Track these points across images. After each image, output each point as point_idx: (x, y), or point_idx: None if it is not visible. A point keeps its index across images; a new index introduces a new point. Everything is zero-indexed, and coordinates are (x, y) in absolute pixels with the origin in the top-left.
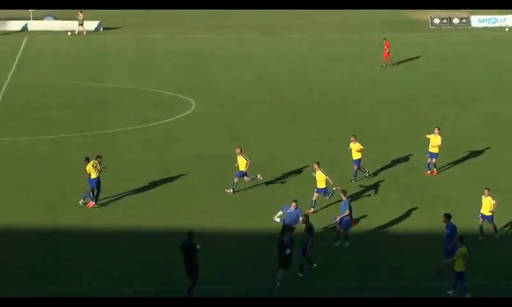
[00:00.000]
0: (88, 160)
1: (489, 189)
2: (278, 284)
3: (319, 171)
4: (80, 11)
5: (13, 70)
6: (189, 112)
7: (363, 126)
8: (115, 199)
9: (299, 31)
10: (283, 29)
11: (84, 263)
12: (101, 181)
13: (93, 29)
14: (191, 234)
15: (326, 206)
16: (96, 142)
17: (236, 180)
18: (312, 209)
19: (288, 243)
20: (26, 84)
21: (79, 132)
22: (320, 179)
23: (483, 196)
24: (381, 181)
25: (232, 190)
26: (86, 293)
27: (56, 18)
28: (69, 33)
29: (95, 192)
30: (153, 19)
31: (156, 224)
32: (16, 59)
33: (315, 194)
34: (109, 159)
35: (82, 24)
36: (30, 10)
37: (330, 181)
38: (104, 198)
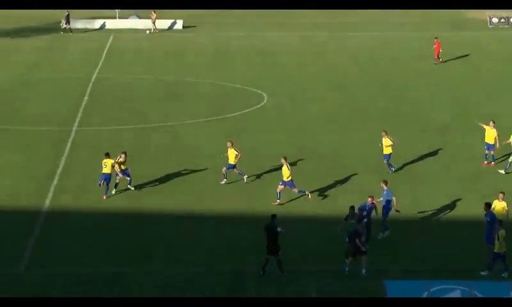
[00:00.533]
0: (108, 155)
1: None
2: (363, 270)
3: (285, 165)
4: (154, 11)
5: (100, 65)
6: (261, 105)
7: (423, 118)
8: (193, 185)
9: (364, 29)
10: (348, 27)
11: (176, 243)
12: (111, 177)
13: (166, 27)
14: (274, 216)
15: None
16: (174, 132)
17: (224, 170)
18: (278, 201)
19: (362, 232)
20: (111, 78)
21: (158, 122)
22: (286, 173)
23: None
24: (437, 170)
25: (225, 180)
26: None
27: (139, 17)
28: (147, 32)
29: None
30: (229, 18)
31: (233, 206)
32: (103, 55)
33: (280, 187)
34: (185, 148)
35: (154, 23)
36: (116, 10)
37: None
38: (182, 184)
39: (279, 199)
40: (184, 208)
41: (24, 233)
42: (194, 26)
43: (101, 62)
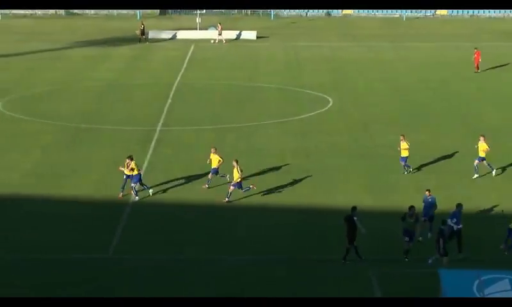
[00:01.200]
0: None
1: None
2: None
3: (236, 168)
4: (220, 23)
5: (182, 71)
6: (326, 108)
7: (474, 122)
8: (263, 181)
9: (420, 40)
10: (407, 37)
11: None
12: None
13: (233, 37)
14: (354, 208)
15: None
16: (247, 132)
17: (210, 176)
18: (227, 199)
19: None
20: (192, 83)
21: (233, 123)
22: (236, 175)
23: None
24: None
25: (207, 186)
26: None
27: (216, 29)
28: (212, 42)
29: (123, 184)
30: (298, 29)
31: (299, 200)
32: (185, 63)
33: (231, 187)
34: (257, 147)
35: (221, 34)
36: (197, 21)
37: (238, 178)
38: (252, 180)
39: (228, 197)
40: (251, 202)
41: (112, 224)
42: (267, 37)
43: (183, 68)
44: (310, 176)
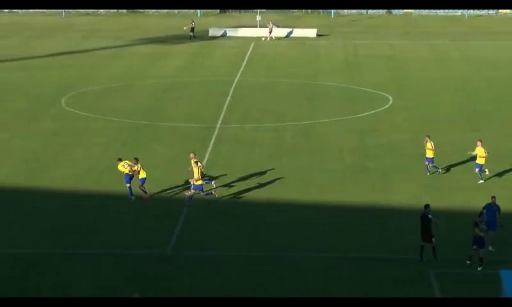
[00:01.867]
0: (120, 160)
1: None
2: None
3: (196, 167)
4: (271, 21)
5: (242, 68)
6: (386, 106)
7: None
8: (320, 179)
9: (483, 38)
10: (469, 36)
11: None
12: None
13: (284, 35)
14: (427, 206)
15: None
16: (306, 130)
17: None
18: (189, 203)
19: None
20: (252, 80)
21: (293, 121)
22: (195, 176)
23: None
24: None
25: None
26: None
27: (277, 26)
28: (263, 39)
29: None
30: (358, 27)
31: (358, 198)
32: (245, 60)
33: (192, 191)
34: (316, 145)
35: (271, 32)
36: (257, 19)
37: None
38: (311, 177)
39: (190, 200)
40: (305, 199)
41: (172, 219)
42: (328, 35)
43: (243, 66)
44: (368, 174)
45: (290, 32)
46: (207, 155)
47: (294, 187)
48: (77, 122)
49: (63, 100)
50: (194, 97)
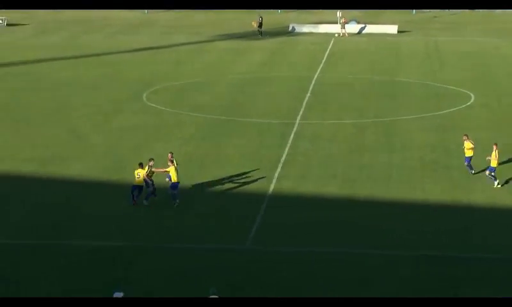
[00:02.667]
0: (141, 165)
1: None
2: None
3: (172, 166)
4: (344, 17)
5: (321, 64)
6: (468, 104)
7: None
8: (401, 175)
9: None
10: None
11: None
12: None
13: (356, 32)
14: None
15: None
16: (386, 127)
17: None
18: (177, 201)
19: None
20: (331, 77)
21: (373, 118)
22: (173, 175)
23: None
24: None
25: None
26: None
27: (358, 22)
28: (336, 35)
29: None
30: (440, 23)
31: (434, 197)
32: (325, 56)
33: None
34: (397, 142)
35: (344, 27)
36: (338, 15)
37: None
38: (391, 173)
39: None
40: (391, 196)
41: (250, 215)
42: (409, 31)
43: (322, 62)
44: (449, 172)
45: (370, 29)
46: (286, 150)
47: (374, 183)
48: (158, 117)
49: (144, 95)
50: (273, 93)
